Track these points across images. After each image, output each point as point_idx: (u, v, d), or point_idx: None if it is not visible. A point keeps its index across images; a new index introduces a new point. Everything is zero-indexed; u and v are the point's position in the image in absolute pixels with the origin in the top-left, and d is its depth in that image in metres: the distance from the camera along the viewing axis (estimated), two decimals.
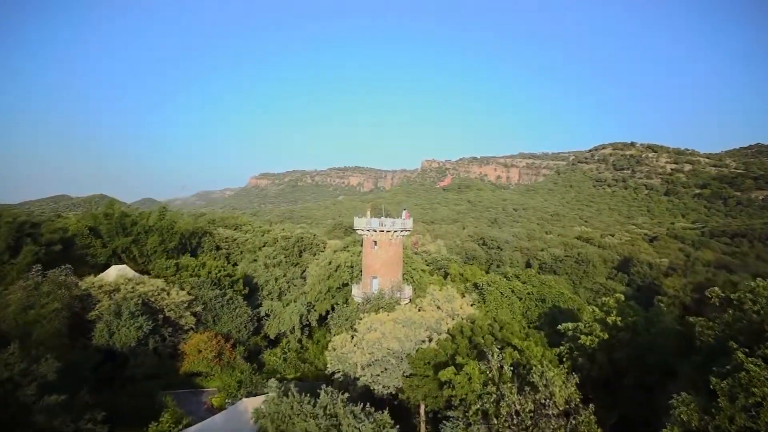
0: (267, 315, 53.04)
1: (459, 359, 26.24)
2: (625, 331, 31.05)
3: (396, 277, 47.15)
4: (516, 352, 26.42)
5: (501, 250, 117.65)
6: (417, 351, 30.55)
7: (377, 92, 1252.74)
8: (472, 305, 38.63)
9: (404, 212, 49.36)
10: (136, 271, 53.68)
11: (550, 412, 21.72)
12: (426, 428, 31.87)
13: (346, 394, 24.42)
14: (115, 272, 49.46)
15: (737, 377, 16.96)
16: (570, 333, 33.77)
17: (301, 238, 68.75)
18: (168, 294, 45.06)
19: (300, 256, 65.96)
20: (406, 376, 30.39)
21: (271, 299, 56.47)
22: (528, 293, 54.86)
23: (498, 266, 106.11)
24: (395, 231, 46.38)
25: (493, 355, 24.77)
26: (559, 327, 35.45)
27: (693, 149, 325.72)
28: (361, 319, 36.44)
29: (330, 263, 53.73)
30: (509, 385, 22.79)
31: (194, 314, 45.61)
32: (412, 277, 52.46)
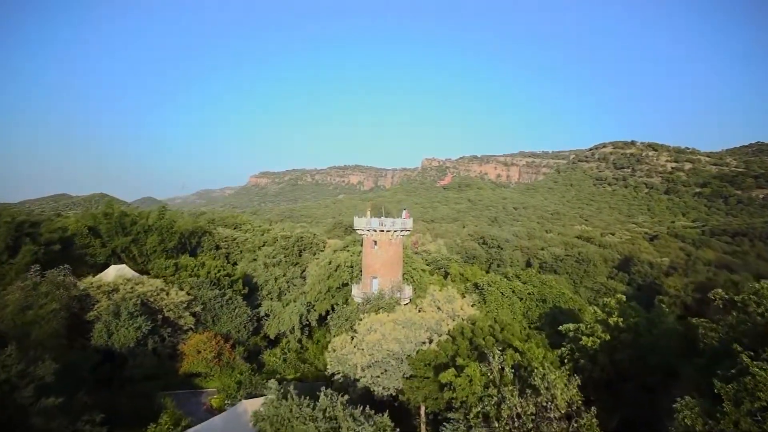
0: (266, 315, 52.86)
1: (460, 361, 26.03)
2: (627, 332, 30.83)
3: (396, 277, 46.95)
4: (517, 353, 26.18)
5: (501, 249, 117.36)
6: (417, 352, 30.36)
7: (377, 92, 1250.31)
8: (472, 306, 38.44)
9: (404, 212, 49.16)
10: (135, 270, 53.51)
11: (552, 415, 21.50)
12: (426, 430, 31.68)
13: (346, 396, 24.22)
14: (114, 272, 49.28)
15: (742, 381, 16.73)
16: (571, 334, 33.55)
17: (301, 237, 68.56)
18: (167, 294, 44.90)
19: (300, 256, 65.76)
20: (407, 378, 30.21)
21: (271, 299, 56.31)
22: (529, 293, 54.62)
23: (498, 265, 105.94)
24: (395, 231, 46.17)
25: (494, 357, 24.56)
26: (561, 328, 35.23)
27: (693, 148, 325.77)
28: (360, 319, 36.26)
29: (330, 263, 53.53)
30: (510, 387, 22.57)
31: (193, 314, 45.43)
32: (412, 277, 52.24)
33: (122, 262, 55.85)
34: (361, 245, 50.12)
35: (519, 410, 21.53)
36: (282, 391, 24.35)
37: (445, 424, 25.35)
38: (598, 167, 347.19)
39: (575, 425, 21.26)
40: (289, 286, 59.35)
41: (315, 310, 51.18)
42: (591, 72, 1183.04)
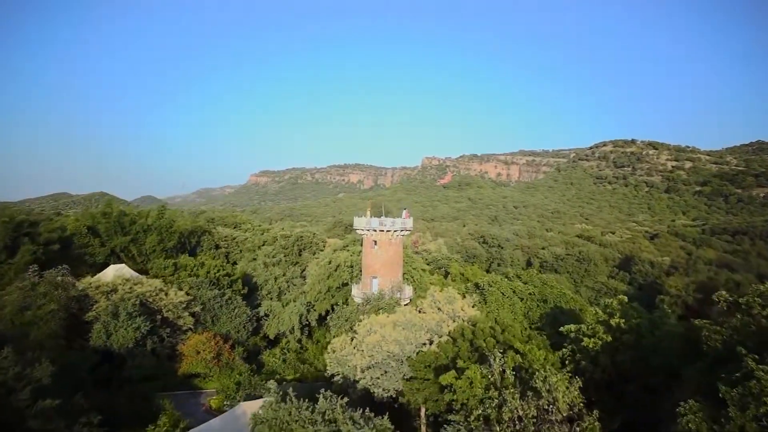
0: (266, 315, 52.64)
1: (460, 363, 25.85)
2: (629, 334, 30.60)
3: (396, 277, 46.73)
4: (518, 355, 25.98)
5: (501, 248, 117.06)
6: (417, 354, 30.16)
7: (377, 92, 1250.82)
8: (473, 306, 38.20)
9: (404, 212, 48.91)
10: (134, 270, 53.26)
11: (553, 418, 21.28)
12: None
13: (346, 398, 23.99)
14: (112, 272, 49.02)
15: (747, 385, 16.49)
16: (572, 335, 33.33)
17: (301, 237, 68.33)
18: (166, 294, 44.67)
19: (300, 255, 65.55)
20: (407, 380, 30.01)
21: (271, 299, 56.09)
22: (529, 294, 54.42)
23: (499, 265, 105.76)
24: (395, 231, 45.92)
25: (494, 359, 24.32)
26: (562, 329, 35.03)
27: (694, 146, 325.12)
28: (360, 320, 36.03)
29: (330, 263, 53.32)
30: (511, 390, 22.34)
31: (193, 314, 45.20)
32: (412, 277, 52.03)
33: (121, 262, 55.61)
34: (361, 245, 49.90)
35: (520, 413, 21.30)
36: (281, 393, 24.13)
37: (445, 426, 25.06)
38: (599, 166, 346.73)
39: (577, 429, 21.05)
40: (288, 286, 59.14)
41: (315, 310, 50.98)
42: (591, 71, 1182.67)
